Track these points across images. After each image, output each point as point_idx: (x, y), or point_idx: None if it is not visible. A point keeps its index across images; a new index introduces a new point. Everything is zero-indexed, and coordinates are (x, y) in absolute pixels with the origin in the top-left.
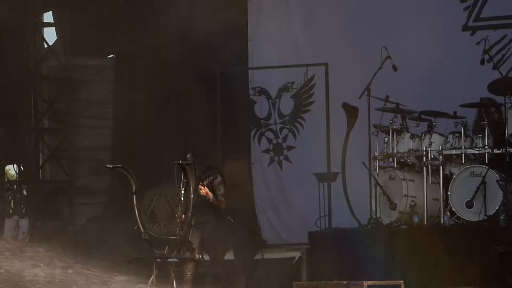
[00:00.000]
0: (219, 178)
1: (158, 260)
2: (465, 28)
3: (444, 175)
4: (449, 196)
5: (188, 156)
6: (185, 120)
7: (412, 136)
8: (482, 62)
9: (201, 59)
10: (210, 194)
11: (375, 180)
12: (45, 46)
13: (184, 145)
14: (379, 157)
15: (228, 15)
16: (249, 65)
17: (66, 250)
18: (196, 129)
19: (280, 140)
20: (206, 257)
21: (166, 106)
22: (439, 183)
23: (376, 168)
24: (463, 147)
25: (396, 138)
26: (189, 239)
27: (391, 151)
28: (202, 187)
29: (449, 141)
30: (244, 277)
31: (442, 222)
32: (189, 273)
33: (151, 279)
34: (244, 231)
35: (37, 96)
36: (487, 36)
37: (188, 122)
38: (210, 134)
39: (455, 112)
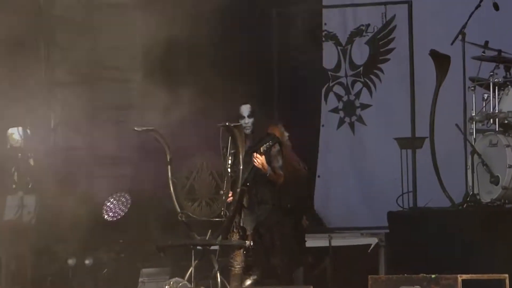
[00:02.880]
0: (277, 147)
1: (198, 248)
2: None
3: None
4: None
5: (245, 119)
6: (234, 72)
7: None
8: None
9: None
10: (266, 165)
11: (472, 146)
12: None
13: (235, 104)
14: (477, 118)
15: None
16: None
17: (84, 234)
18: (249, 84)
19: (352, 97)
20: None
21: (209, 55)
22: None
23: (473, 132)
24: None
25: (498, 95)
26: (241, 224)
27: (491, 110)
28: (258, 156)
29: None
30: (302, 269)
31: None
32: (238, 266)
33: (189, 271)
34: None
35: (49, 43)
36: None
37: (239, 75)
38: (267, 92)
39: None
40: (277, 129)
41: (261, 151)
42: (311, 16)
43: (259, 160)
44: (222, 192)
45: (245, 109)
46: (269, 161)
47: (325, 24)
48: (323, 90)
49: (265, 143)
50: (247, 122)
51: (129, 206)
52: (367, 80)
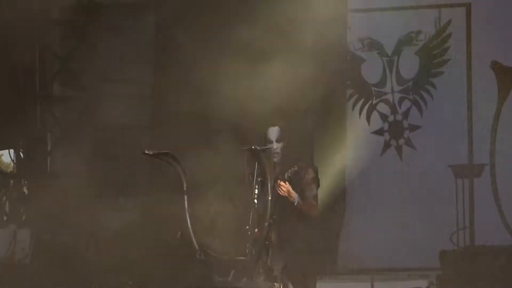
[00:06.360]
0: (311, 174)
1: None
2: None
3: None
4: None
5: (273, 144)
6: (261, 87)
7: None
8: None
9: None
10: (294, 193)
11: None
12: None
13: (262, 124)
14: None
15: None
16: (350, 6)
17: (87, 275)
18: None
19: (399, 117)
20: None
21: (228, 66)
22: None
23: None
24: None
25: None
26: (268, 263)
27: None
28: (282, 184)
29: None
30: None
31: None
32: None
33: None
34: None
35: (43, 49)
36: None
37: (268, 88)
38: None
39: None
40: None
41: (286, 177)
42: (334, 20)
43: (284, 187)
44: (247, 226)
45: (273, 132)
46: (300, 189)
47: (349, 28)
48: (365, 108)
49: (290, 169)
50: (275, 147)
51: None
52: (417, 97)
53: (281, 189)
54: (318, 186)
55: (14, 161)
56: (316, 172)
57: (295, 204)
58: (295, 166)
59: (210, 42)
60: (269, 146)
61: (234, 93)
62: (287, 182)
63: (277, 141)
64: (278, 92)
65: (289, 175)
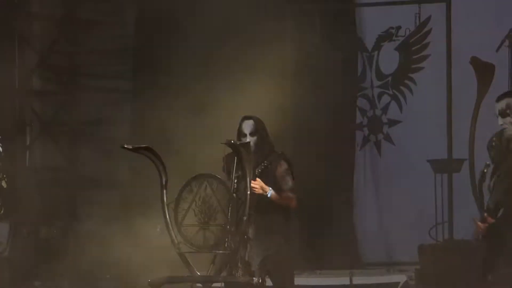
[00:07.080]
0: (283, 166)
1: (198, 285)
2: None
3: None
4: None
5: (246, 137)
6: (246, 77)
7: None
8: None
9: None
10: (266, 187)
11: None
12: None
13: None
14: None
15: None
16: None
17: (66, 268)
18: (264, 91)
19: (378, 112)
20: (269, 282)
21: (212, 61)
22: None
23: None
24: None
25: None
26: (246, 258)
27: None
28: (254, 183)
29: None
30: None
31: None
32: None
33: None
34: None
35: (23, 43)
36: None
37: (252, 81)
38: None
39: None
40: None
41: (256, 173)
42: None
43: (257, 185)
44: (225, 221)
45: (247, 126)
46: (276, 182)
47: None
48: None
49: (260, 164)
50: (249, 141)
51: None
52: (396, 92)
53: (254, 189)
54: (293, 176)
55: None
56: (288, 162)
57: (268, 195)
58: (265, 162)
59: (191, 37)
60: (244, 140)
61: (216, 90)
62: (258, 179)
63: (251, 134)
64: (266, 86)
65: (260, 170)
